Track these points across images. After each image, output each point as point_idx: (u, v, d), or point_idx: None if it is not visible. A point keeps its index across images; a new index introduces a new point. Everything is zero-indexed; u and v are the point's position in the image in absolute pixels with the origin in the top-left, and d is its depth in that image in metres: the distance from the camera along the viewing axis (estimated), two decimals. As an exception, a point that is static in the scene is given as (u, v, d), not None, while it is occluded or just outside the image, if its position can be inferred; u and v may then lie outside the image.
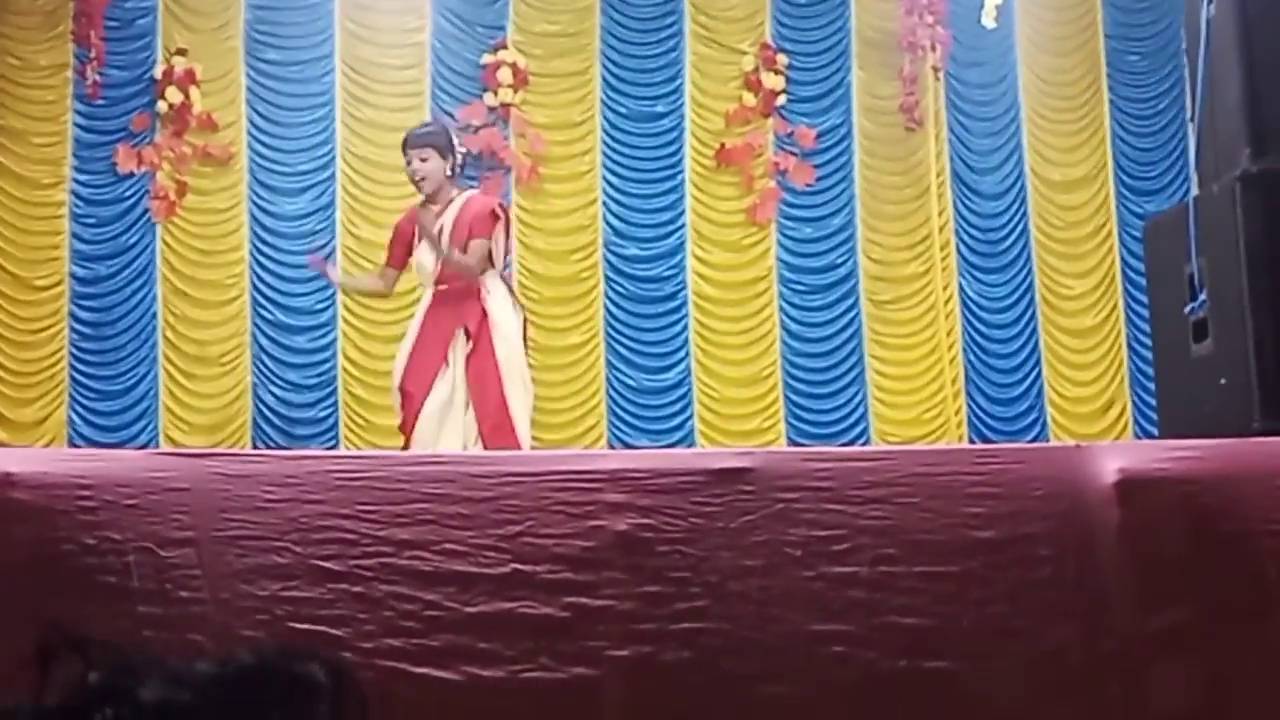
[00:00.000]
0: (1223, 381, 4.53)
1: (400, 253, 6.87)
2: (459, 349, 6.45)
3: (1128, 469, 2.69)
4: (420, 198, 6.74)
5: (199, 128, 9.06)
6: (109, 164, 9.04)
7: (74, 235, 9.00)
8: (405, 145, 6.80)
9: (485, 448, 6.25)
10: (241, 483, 2.54)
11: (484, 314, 6.46)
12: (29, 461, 2.51)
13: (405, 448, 6.44)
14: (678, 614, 2.54)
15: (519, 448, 6.27)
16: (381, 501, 2.55)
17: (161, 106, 9.04)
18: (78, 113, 9.05)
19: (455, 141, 6.82)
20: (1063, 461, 2.78)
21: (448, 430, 6.33)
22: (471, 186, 7.10)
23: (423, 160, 6.65)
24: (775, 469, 2.68)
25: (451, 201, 6.67)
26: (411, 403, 6.45)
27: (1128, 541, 2.66)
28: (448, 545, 2.53)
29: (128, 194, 9.06)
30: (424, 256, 6.62)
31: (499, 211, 6.73)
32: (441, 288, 6.56)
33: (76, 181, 9.03)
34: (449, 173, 6.66)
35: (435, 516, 2.55)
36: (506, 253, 6.98)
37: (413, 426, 6.40)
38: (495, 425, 6.32)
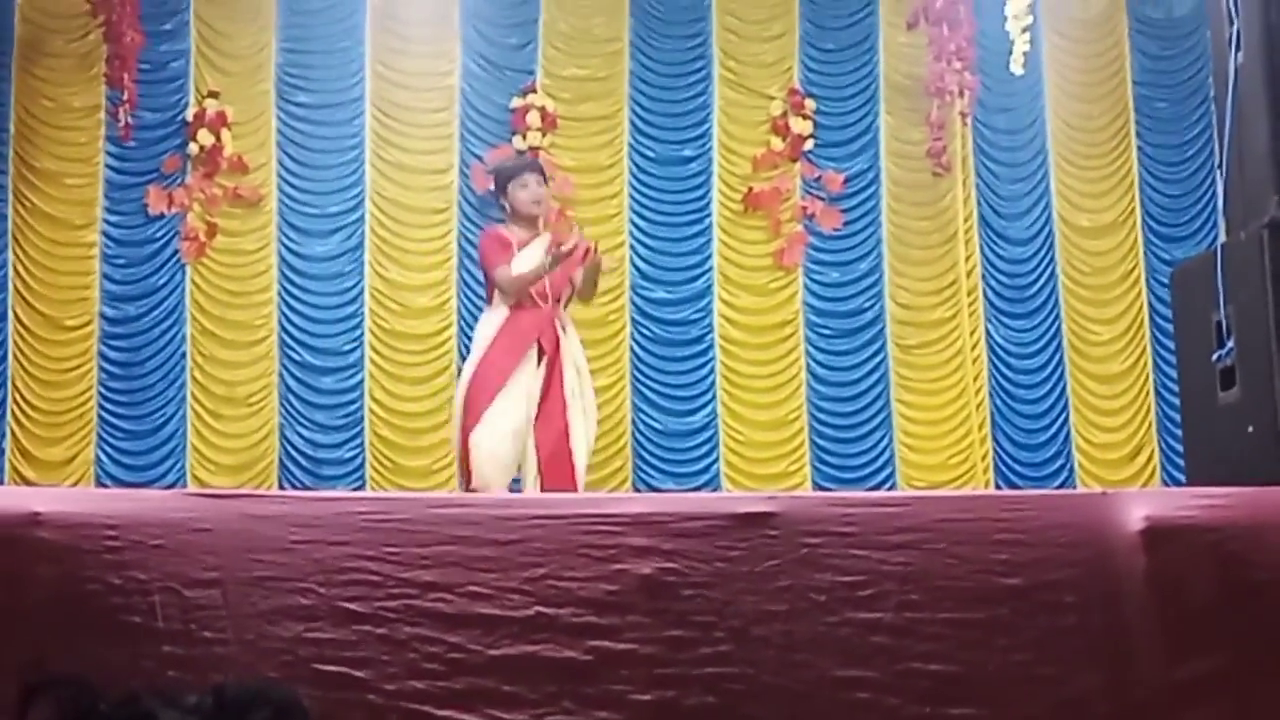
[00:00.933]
0: (1250, 429, 4.51)
1: (501, 251, 6.64)
2: (529, 366, 6.43)
3: (1154, 516, 2.68)
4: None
5: (230, 169, 9.11)
6: (140, 205, 9.09)
7: (104, 276, 9.04)
8: (520, 169, 6.82)
9: (541, 474, 6.24)
10: (267, 524, 2.54)
11: (558, 338, 6.48)
12: (56, 501, 2.52)
13: (464, 459, 6.39)
14: (701, 658, 2.54)
15: (574, 477, 6.29)
16: (406, 543, 2.55)
17: (193, 148, 9.10)
18: (109, 154, 9.11)
19: None
20: (1089, 508, 2.77)
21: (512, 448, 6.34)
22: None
23: (539, 185, 6.72)
24: (800, 513, 2.67)
25: (540, 235, 6.66)
26: (473, 409, 6.38)
27: (1154, 589, 2.64)
28: (472, 588, 2.53)
29: (158, 235, 9.11)
30: (534, 253, 6.50)
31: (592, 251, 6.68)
32: (531, 303, 6.50)
33: (107, 223, 9.08)
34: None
35: (460, 559, 2.55)
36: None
37: (467, 436, 6.36)
38: (553, 453, 6.32)
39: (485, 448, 6.30)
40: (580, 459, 6.40)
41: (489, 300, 6.71)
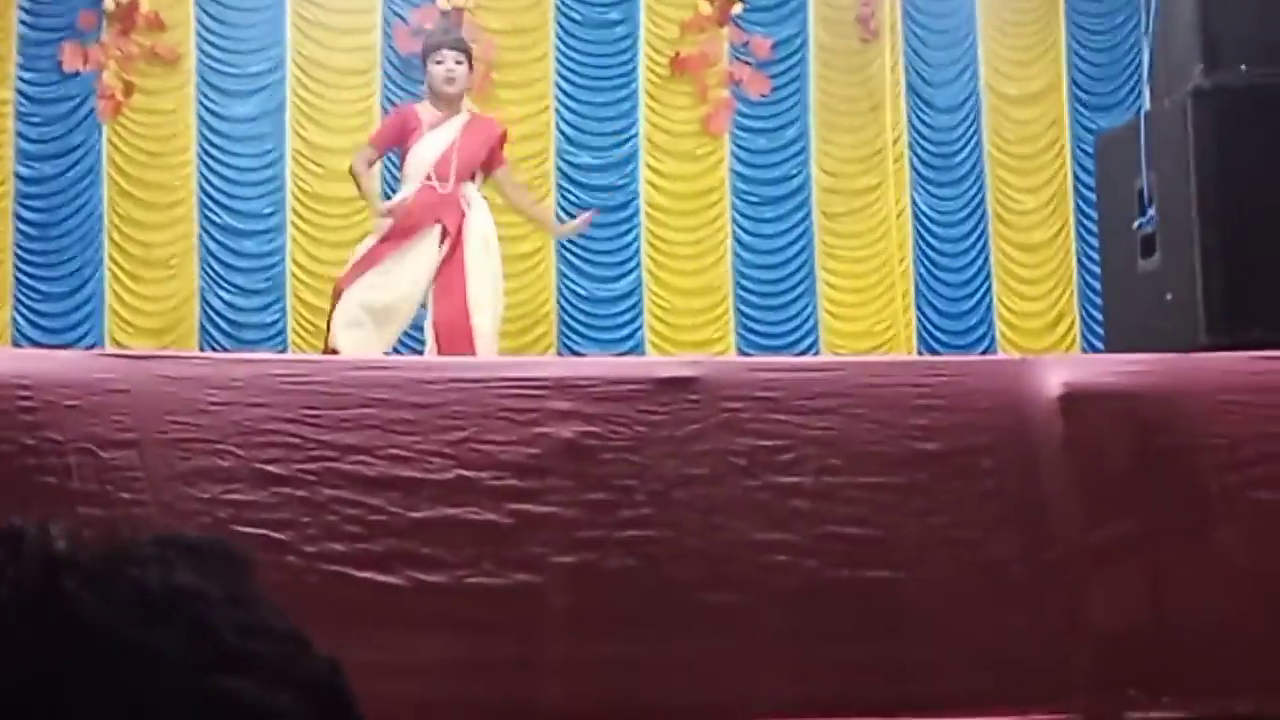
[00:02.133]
0: (1169, 297, 4.56)
1: (391, 134, 6.85)
2: (425, 244, 6.43)
3: (1072, 383, 2.70)
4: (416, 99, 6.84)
5: (146, 26, 8.91)
6: (54, 62, 8.89)
7: (19, 135, 8.87)
8: (438, 46, 6.76)
9: (439, 346, 6.25)
10: (185, 385, 2.52)
11: (462, 216, 6.46)
12: (-32, 361, 2.48)
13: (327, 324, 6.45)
14: (622, 521, 2.55)
15: (473, 351, 6.27)
16: (326, 406, 2.54)
17: (108, 4, 8.88)
18: (22, 9, 8.89)
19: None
20: (1008, 374, 2.79)
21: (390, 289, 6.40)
22: (423, 90, 7.03)
23: (458, 63, 6.65)
24: (721, 378, 2.68)
25: (458, 114, 6.70)
26: (347, 277, 6.53)
27: (1071, 454, 2.67)
28: (392, 450, 2.53)
29: (73, 93, 8.93)
30: (429, 149, 6.56)
31: (505, 136, 6.87)
32: (433, 183, 6.51)
33: (21, 80, 8.89)
34: (469, 87, 6.74)
35: (380, 422, 2.54)
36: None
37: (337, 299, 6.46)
38: (451, 326, 6.30)
39: (339, 314, 6.39)
40: (483, 335, 6.37)
41: None
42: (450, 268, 6.40)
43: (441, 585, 2.46)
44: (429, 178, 6.51)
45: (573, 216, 9.18)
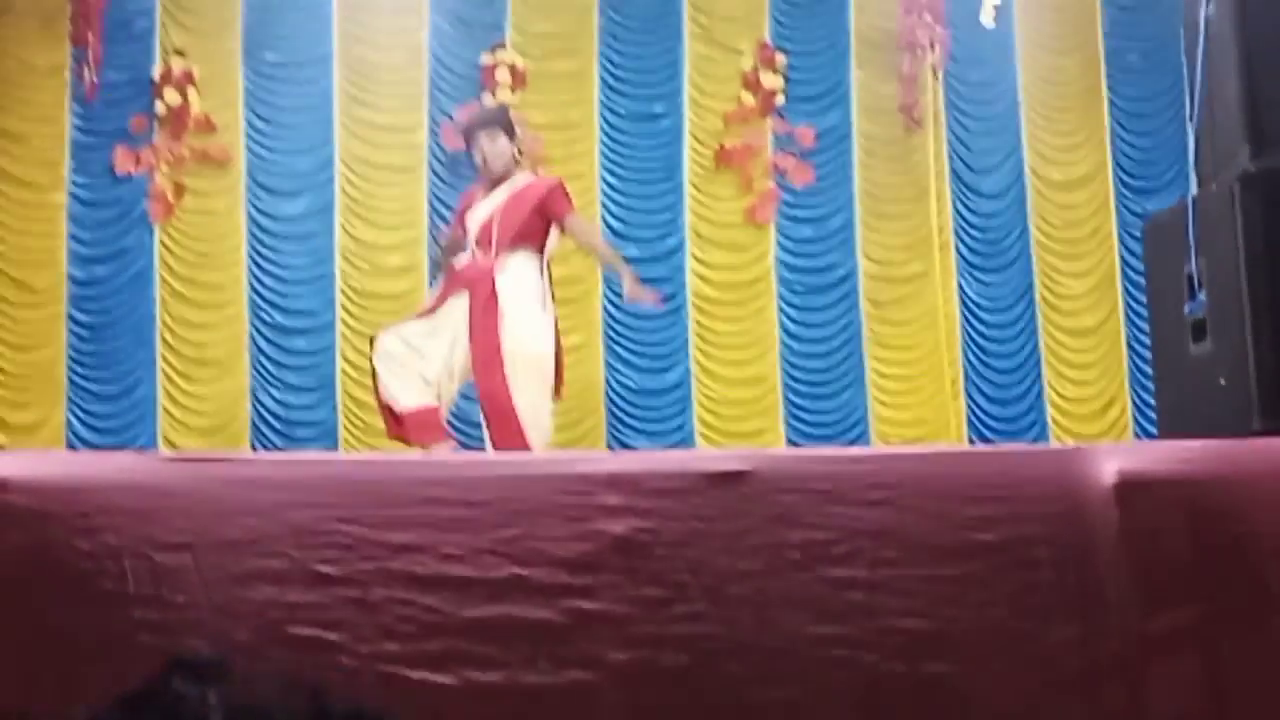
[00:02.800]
0: (1222, 382, 4.52)
1: (457, 220, 6.67)
2: (454, 307, 6.29)
3: (1127, 470, 2.68)
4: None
5: (197, 129, 9.05)
6: (107, 166, 9.03)
7: (72, 237, 8.99)
8: (467, 135, 6.69)
9: (489, 434, 6.14)
10: (238, 487, 2.52)
11: (494, 293, 6.24)
12: (24, 466, 2.49)
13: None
14: (676, 618, 2.53)
15: (522, 434, 6.06)
16: (378, 505, 2.54)
17: (159, 108, 9.03)
18: (76, 114, 9.04)
19: (514, 124, 6.69)
20: (1062, 463, 2.77)
21: (407, 369, 6.22)
22: (470, 186, 7.04)
23: (491, 140, 6.50)
24: (773, 471, 2.67)
25: (511, 179, 6.50)
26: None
27: (1127, 543, 2.65)
28: (445, 549, 2.52)
29: (125, 196, 9.05)
30: (472, 221, 6.43)
31: (558, 187, 6.59)
32: (474, 254, 6.36)
33: (74, 184, 9.02)
34: (516, 155, 6.54)
35: (433, 520, 2.54)
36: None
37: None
38: (499, 413, 6.12)
39: (381, 348, 6.27)
40: (534, 425, 6.14)
41: None
42: (483, 340, 6.21)
43: (496, 685, 2.44)
44: (475, 246, 6.38)
45: (621, 310, 9.24)
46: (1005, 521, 2.64)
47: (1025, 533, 2.64)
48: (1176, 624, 2.63)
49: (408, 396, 6.18)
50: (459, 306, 6.29)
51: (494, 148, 6.51)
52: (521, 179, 6.54)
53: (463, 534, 2.54)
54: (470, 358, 6.24)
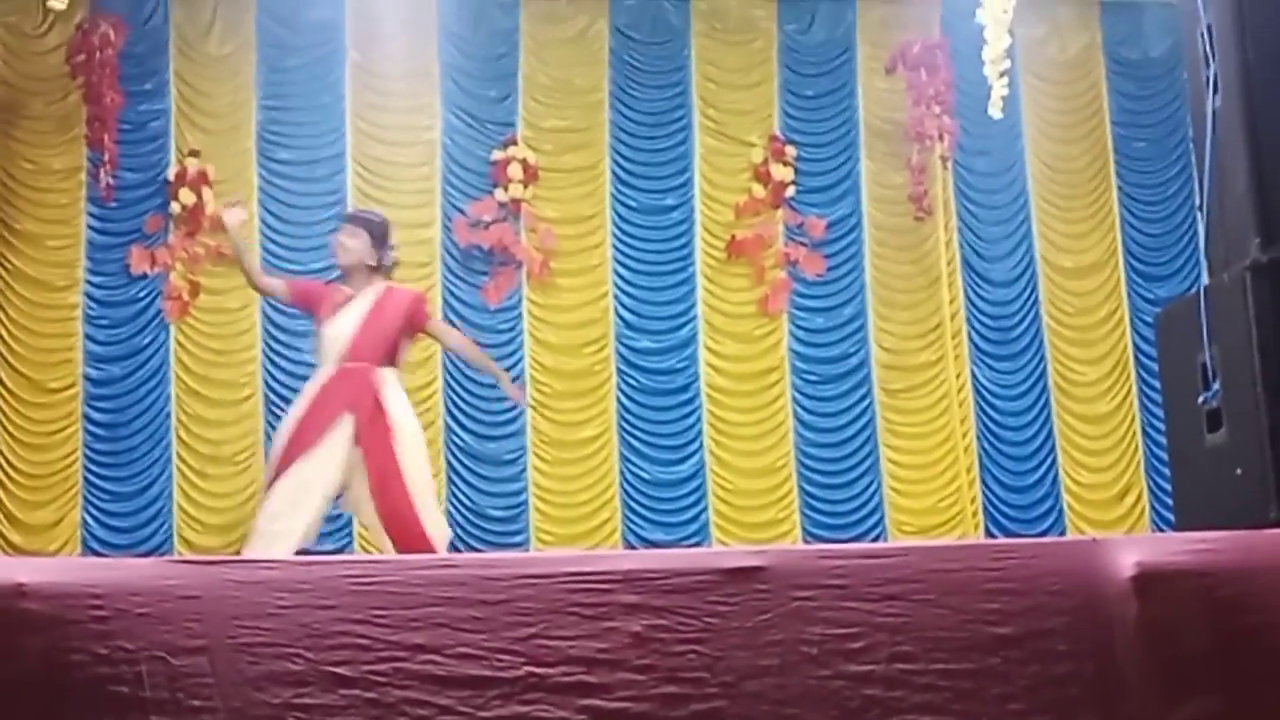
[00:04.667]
0: (1238, 472, 4.50)
1: (306, 291, 6.68)
2: (340, 432, 6.16)
3: (1145, 562, 2.67)
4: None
5: (212, 228, 9.10)
6: (122, 265, 9.09)
7: (87, 337, 9.03)
8: (343, 219, 6.73)
9: (393, 545, 5.99)
10: (253, 589, 2.53)
11: (379, 407, 6.17)
12: (40, 572, 2.50)
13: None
14: (694, 715, 2.52)
15: (427, 539, 6.00)
16: (394, 606, 2.54)
17: (174, 208, 9.10)
18: (91, 215, 9.11)
19: (390, 240, 6.55)
20: (1079, 555, 2.76)
21: (302, 510, 6.08)
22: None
23: (351, 237, 6.44)
24: (789, 567, 2.66)
25: (371, 287, 6.41)
26: (275, 472, 6.22)
27: (1146, 635, 2.64)
28: (461, 649, 2.52)
29: (141, 295, 9.10)
30: (339, 329, 6.33)
31: (419, 300, 6.62)
32: (348, 365, 6.27)
33: (90, 284, 9.07)
34: (372, 263, 6.42)
35: (448, 620, 2.54)
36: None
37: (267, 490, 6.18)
38: (405, 532, 6.02)
39: (270, 507, 6.13)
40: (439, 539, 6.10)
41: None
42: (379, 461, 6.11)
43: (513, 786, 2.43)
44: (341, 359, 6.28)
45: (635, 402, 9.25)
46: (1023, 614, 2.64)
47: (1043, 625, 2.63)
48: (1197, 715, 2.61)
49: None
50: (342, 431, 6.16)
51: (347, 242, 6.44)
52: (374, 291, 6.42)
53: (478, 633, 2.53)
54: (368, 483, 6.13)
